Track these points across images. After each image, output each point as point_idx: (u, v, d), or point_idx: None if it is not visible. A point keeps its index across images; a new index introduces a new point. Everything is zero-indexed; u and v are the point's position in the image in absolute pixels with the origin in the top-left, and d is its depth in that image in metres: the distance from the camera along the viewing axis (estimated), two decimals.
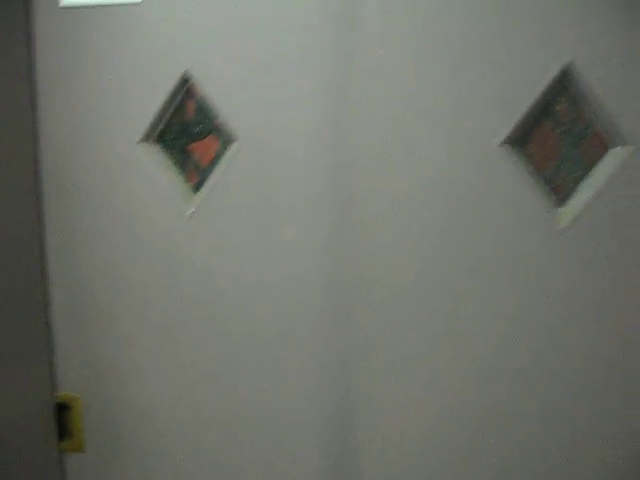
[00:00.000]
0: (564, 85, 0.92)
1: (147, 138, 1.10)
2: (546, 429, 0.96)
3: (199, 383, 1.13)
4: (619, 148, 0.90)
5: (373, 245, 1.00)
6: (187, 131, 1.11)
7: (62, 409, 1.20)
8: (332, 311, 1.04)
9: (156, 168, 1.10)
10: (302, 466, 1.08)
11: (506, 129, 0.93)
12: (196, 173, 1.13)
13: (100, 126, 1.11)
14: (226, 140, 1.07)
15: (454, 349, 0.99)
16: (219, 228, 1.08)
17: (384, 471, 1.04)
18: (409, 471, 1.03)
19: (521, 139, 0.95)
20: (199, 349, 1.12)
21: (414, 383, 1.01)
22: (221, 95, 1.05)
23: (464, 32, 0.92)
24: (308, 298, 1.04)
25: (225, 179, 1.07)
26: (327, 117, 0.99)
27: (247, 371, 1.09)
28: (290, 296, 1.05)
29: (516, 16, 0.90)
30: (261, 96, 1.02)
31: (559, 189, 0.96)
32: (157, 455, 1.18)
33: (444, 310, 0.99)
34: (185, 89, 1.08)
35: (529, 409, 0.97)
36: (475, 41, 0.92)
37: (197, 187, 1.11)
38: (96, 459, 1.22)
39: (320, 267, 1.03)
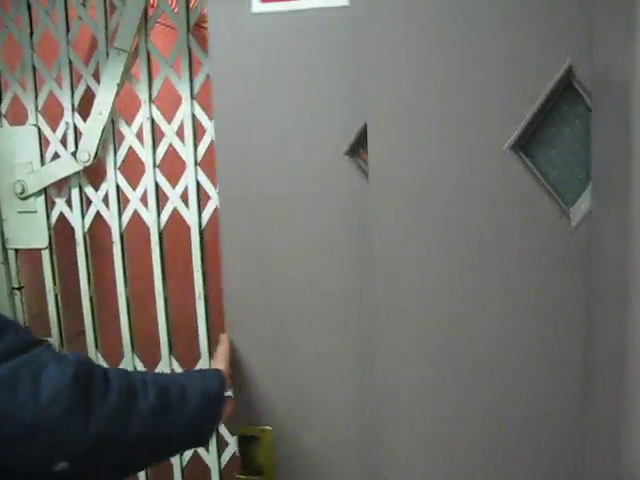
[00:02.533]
0: (568, 88, 0.91)
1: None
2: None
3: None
4: None
5: (392, 244, 0.97)
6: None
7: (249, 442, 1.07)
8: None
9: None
10: None
11: (514, 133, 0.92)
12: None
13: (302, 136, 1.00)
14: None
15: (468, 348, 0.98)
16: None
17: None
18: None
19: (529, 142, 0.94)
20: None
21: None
22: None
23: (469, 39, 0.91)
24: None
25: None
26: None
27: None
28: None
29: (518, 23, 0.90)
30: None
31: (569, 189, 0.95)
32: None
33: (461, 310, 0.97)
34: None
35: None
36: (479, 49, 0.91)
37: None
38: None
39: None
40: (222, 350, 1.01)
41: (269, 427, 1.06)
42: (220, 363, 0.97)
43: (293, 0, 0.96)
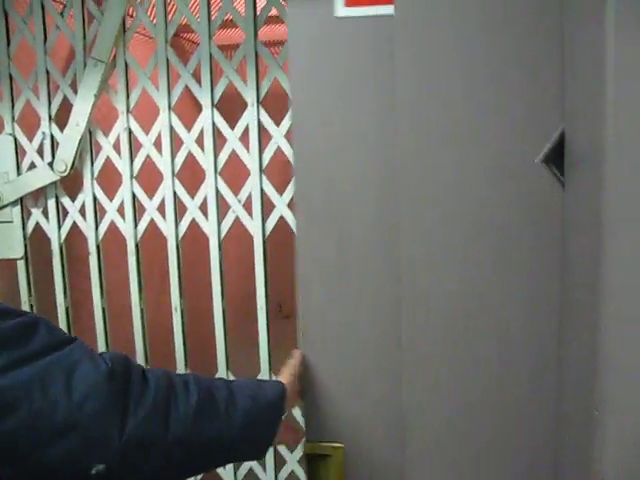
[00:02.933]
0: None
1: None
2: None
3: None
4: None
5: (429, 258, 0.95)
6: None
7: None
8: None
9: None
10: None
11: (546, 146, 0.92)
12: None
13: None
14: None
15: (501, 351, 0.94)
16: None
17: None
18: None
19: (561, 155, 0.93)
20: None
21: None
22: None
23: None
24: None
25: None
26: None
27: None
28: None
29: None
30: None
31: None
32: None
33: (495, 313, 0.95)
34: None
35: None
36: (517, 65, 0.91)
37: None
38: None
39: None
40: (290, 364, 0.97)
41: (340, 444, 1.00)
42: (284, 376, 0.93)
43: (379, 4, 0.91)
